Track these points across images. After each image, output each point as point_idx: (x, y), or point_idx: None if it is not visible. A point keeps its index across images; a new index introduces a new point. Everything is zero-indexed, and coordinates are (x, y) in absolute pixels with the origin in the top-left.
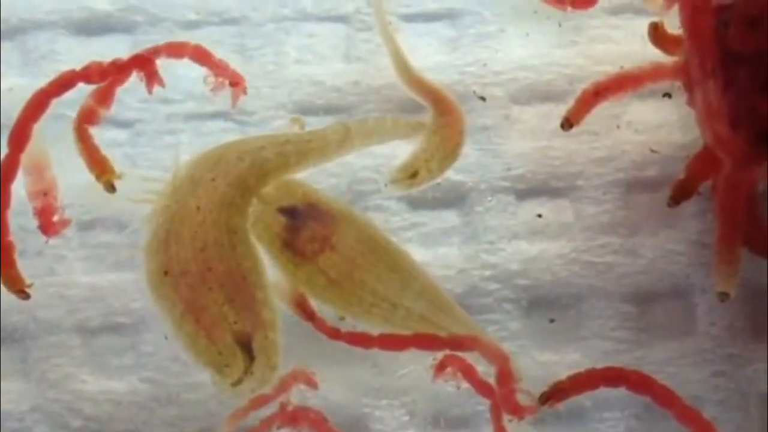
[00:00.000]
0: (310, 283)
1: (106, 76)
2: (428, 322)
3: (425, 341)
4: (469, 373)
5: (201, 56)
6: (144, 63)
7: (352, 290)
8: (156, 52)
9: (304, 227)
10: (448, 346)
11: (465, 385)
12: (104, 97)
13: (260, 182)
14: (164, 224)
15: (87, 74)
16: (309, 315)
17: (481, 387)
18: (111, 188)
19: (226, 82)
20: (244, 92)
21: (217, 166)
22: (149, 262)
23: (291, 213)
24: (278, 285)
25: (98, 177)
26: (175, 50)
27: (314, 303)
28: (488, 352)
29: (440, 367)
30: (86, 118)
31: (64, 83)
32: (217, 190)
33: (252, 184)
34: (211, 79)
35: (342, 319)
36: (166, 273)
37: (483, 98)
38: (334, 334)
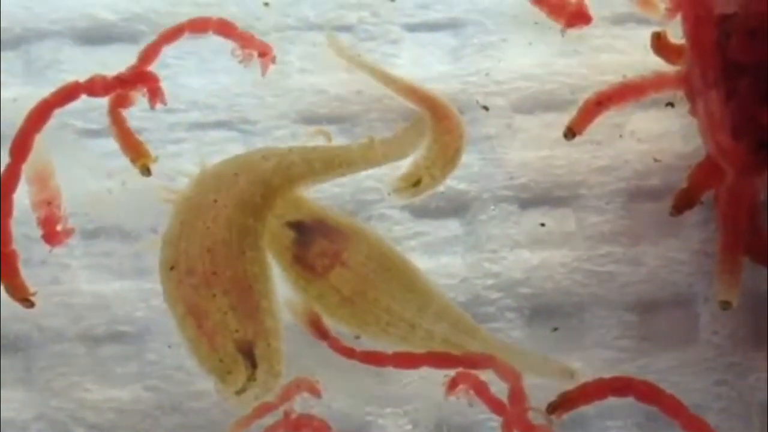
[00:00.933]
0: (322, 300)
1: (110, 90)
2: (450, 344)
3: (440, 359)
4: (481, 390)
5: (225, 29)
6: (147, 79)
7: (366, 308)
8: (180, 29)
9: (313, 243)
10: (463, 364)
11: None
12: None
13: (283, 186)
14: (180, 215)
15: (91, 86)
16: (323, 334)
17: (493, 404)
18: (147, 172)
19: (254, 53)
20: (273, 61)
21: (242, 163)
22: (162, 253)
23: (299, 228)
24: (291, 303)
25: (133, 161)
26: (199, 26)
27: (329, 321)
28: (502, 370)
29: (452, 384)
30: (119, 101)
31: (67, 94)
32: (237, 186)
33: (275, 185)
34: (239, 51)
35: (357, 337)
36: (172, 268)
37: (486, 107)
38: (349, 353)
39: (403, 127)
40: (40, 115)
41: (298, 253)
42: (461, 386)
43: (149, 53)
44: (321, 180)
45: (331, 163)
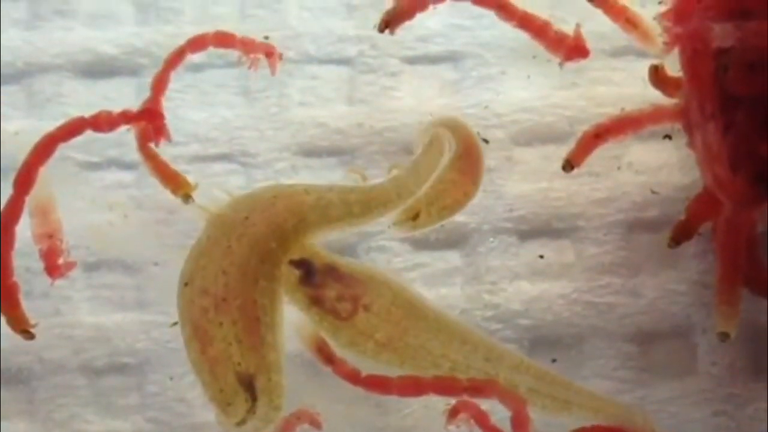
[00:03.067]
0: (356, 347)
1: (115, 125)
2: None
3: (444, 386)
4: (482, 419)
5: (225, 40)
6: (152, 116)
7: (408, 352)
8: (181, 52)
9: (325, 285)
10: (467, 391)
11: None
12: None
13: (318, 223)
14: (209, 230)
15: (96, 122)
16: (329, 359)
17: None
18: (189, 199)
19: (260, 56)
20: (280, 57)
21: (283, 190)
22: (184, 266)
23: (303, 266)
24: (299, 328)
25: (174, 192)
26: (199, 43)
27: (370, 365)
28: (506, 396)
29: (453, 413)
30: (146, 136)
31: (72, 129)
32: (272, 209)
33: (310, 221)
34: (245, 59)
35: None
36: (186, 284)
37: (486, 140)
38: (354, 378)
39: (421, 150)
40: (45, 148)
41: (312, 294)
42: (462, 415)
43: (159, 83)
44: (359, 222)
45: (368, 205)
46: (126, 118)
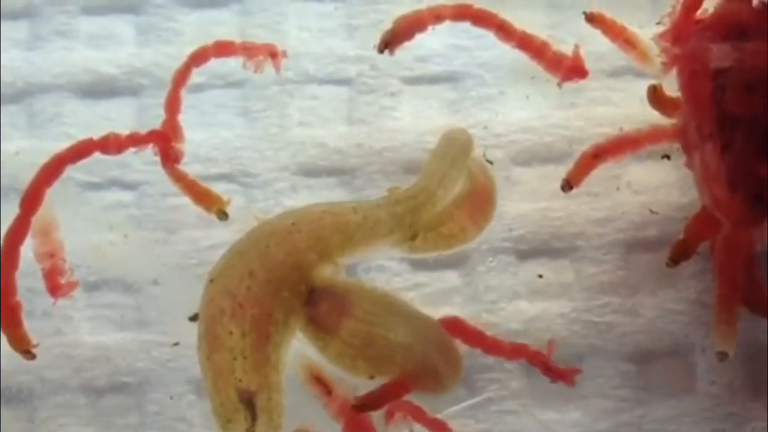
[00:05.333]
0: (341, 359)
1: (123, 148)
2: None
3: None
4: (418, 414)
5: (225, 49)
6: (161, 138)
7: (378, 352)
8: (187, 68)
9: (321, 302)
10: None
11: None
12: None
13: (367, 239)
14: (253, 231)
15: (104, 144)
16: (327, 390)
17: (433, 425)
18: (224, 216)
19: (263, 58)
20: (285, 56)
21: (333, 206)
22: (218, 261)
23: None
24: (299, 361)
25: (208, 209)
26: (201, 57)
27: (346, 377)
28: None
29: (389, 416)
30: (168, 157)
31: (80, 151)
32: (320, 222)
33: (355, 240)
34: (249, 63)
35: (372, 377)
36: (212, 280)
37: (490, 161)
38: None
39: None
40: (52, 170)
41: (310, 313)
42: (397, 414)
43: (172, 103)
44: (409, 233)
45: (417, 211)
46: (135, 140)
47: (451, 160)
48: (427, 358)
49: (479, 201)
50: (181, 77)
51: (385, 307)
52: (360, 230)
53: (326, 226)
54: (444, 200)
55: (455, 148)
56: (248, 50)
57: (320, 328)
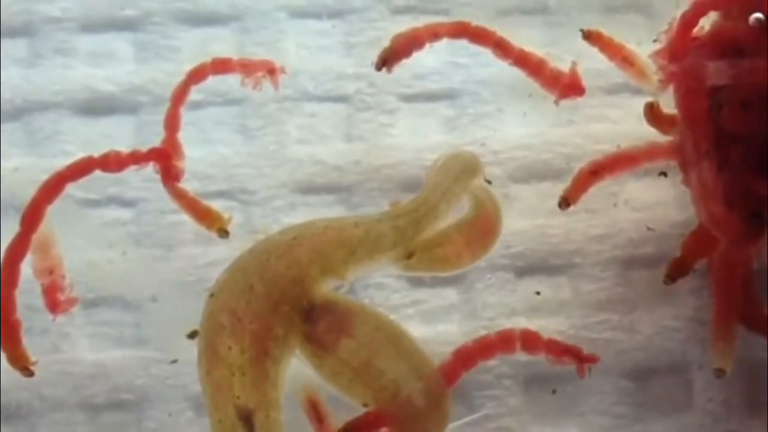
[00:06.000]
0: (336, 377)
1: (124, 166)
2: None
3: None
4: None
5: (222, 67)
6: (161, 156)
7: (374, 379)
8: (186, 85)
9: (320, 320)
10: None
11: None
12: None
13: (371, 253)
14: (255, 246)
15: (105, 162)
16: (319, 418)
17: None
18: (225, 234)
19: (261, 74)
20: (283, 72)
21: (335, 222)
22: (219, 276)
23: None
24: (300, 383)
25: (209, 228)
26: (200, 74)
27: (341, 396)
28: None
29: None
30: (168, 176)
31: (81, 169)
32: (321, 236)
33: (357, 255)
34: (247, 80)
35: (366, 405)
36: (212, 295)
37: (489, 181)
38: None
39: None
40: (53, 187)
41: (308, 330)
42: None
43: (171, 121)
44: (412, 245)
45: (419, 223)
46: (135, 158)
47: (455, 176)
48: (413, 402)
49: (481, 230)
50: (179, 95)
51: (387, 335)
52: (362, 244)
53: (328, 241)
54: (446, 214)
55: (461, 164)
56: (246, 67)
57: (318, 346)
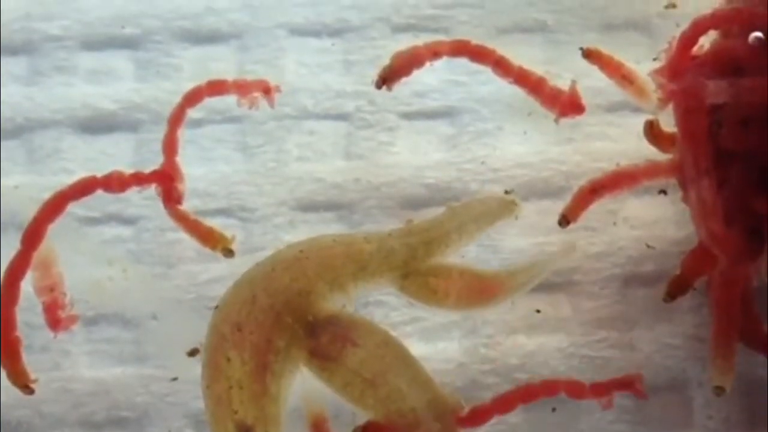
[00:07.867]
0: (348, 389)
1: (126, 186)
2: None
3: None
4: None
5: (217, 88)
6: (164, 178)
7: (388, 393)
8: (181, 109)
9: (323, 334)
10: None
11: None
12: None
13: (380, 269)
14: (270, 257)
15: (107, 182)
16: None
17: None
18: (230, 253)
19: (256, 94)
20: (278, 90)
21: (345, 237)
22: (227, 290)
23: (312, 324)
24: (306, 398)
25: (213, 248)
26: (195, 97)
27: (355, 410)
28: None
29: None
30: (170, 199)
31: (83, 188)
32: (330, 251)
33: (369, 270)
34: (243, 101)
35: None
36: (217, 306)
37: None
38: None
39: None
40: (55, 206)
41: (311, 346)
42: None
43: (169, 144)
44: (419, 266)
45: (430, 245)
46: (138, 179)
47: (477, 215)
48: (421, 419)
49: (479, 289)
50: (176, 118)
51: (395, 351)
52: (374, 260)
53: (337, 255)
54: (457, 245)
55: (487, 206)
56: (241, 88)
57: (324, 358)
